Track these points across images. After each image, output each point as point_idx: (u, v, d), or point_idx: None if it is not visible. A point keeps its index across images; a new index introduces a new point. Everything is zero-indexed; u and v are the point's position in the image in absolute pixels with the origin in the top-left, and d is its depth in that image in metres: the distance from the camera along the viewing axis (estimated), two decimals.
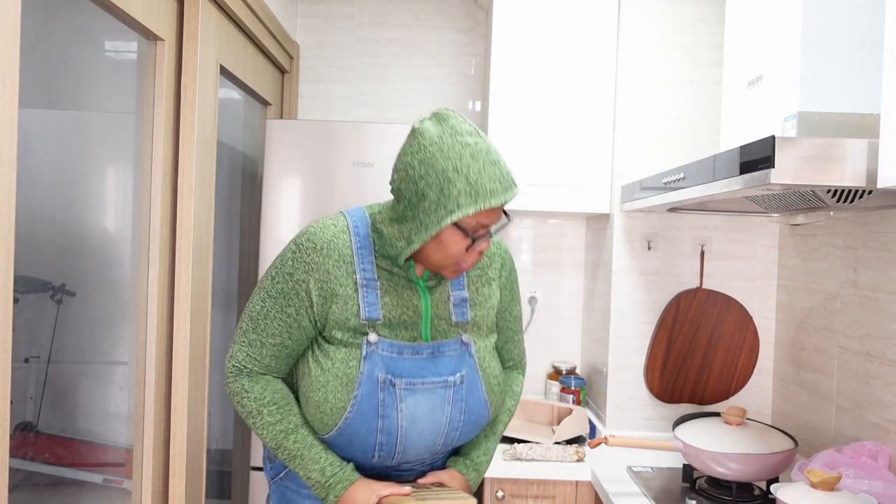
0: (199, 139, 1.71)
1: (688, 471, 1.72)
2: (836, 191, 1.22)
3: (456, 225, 1.15)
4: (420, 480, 1.31)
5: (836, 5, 1.25)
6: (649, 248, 2.12)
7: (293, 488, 1.35)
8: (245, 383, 1.25)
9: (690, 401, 2.09)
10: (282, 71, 2.62)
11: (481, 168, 1.12)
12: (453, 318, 1.28)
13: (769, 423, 1.91)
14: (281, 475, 1.37)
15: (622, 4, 2.16)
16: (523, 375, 1.49)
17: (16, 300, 1.09)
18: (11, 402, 1.07)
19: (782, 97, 1.31)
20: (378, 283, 1.23)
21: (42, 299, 2.30)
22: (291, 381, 1.32)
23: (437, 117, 1.17)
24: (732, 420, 1.66)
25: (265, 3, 2.19)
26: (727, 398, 2.08)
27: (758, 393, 2.11)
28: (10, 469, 1.09)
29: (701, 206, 1.78)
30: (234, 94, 2.44)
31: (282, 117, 2.65)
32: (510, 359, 1.46)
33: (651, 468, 1.83)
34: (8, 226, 1.04)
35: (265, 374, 1.27)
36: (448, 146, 1.12)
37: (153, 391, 1.61)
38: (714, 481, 1.67)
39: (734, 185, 1.21)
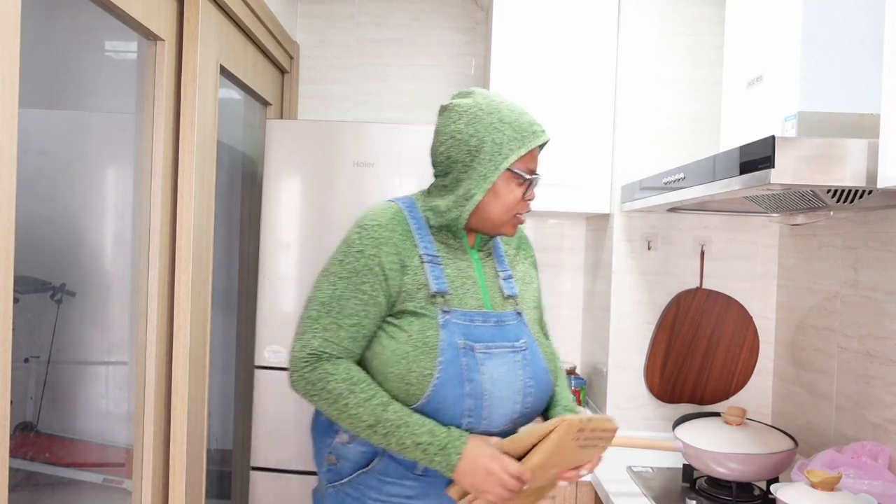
0: (199, 139, 1.71)
1: (688, 471, 1.72)
2: (836, 191, 1.22)
3: (509, 171, 1.26)
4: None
5: (836, 5, 1.25)
6: (649, 248, 2.13)
7: (354, 496, 1.29)
8: (328, 368, 1.23)
9: (690, 401, 2.09)
10: (282, 71, 2.62)
11: (519, 116, 1.27)
12: (504, 291, 1.35)
13: (769, 423, 1.91)
14: (344, 480, 1.30)
15: (622, 4, 2.16)
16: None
17: (16, 300, 1.09)
18: (11, 402, 1.07)
19: (782, 97, 1.31)
20: (440, 258, 1.29)
21: (42, 299, 2.30)
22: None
23: (462, 93, 1.32)
24: (732, 420, 1.66)
25: (265, 3, 2.19)
26: (727, 398, 2.08)
27: (758, 393, 2.11)
28: (10, 469, 1.09)
29: (701, 206, 1.78)
30: (234, 94, 2.44)
31: (282, 117, 2.65)
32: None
33: (651, 468, 1.83)
34: (8, 226, 1.04)
35: (342, 358, 1.25)
36: (486, 105, 1.27)
37: (153, 391, 1.61)
38: (714, 481, 1.67)
39: (734, 185, 1.21)
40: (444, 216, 1.29)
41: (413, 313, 1.25)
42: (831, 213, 1.52)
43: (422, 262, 1.26)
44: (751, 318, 2.08)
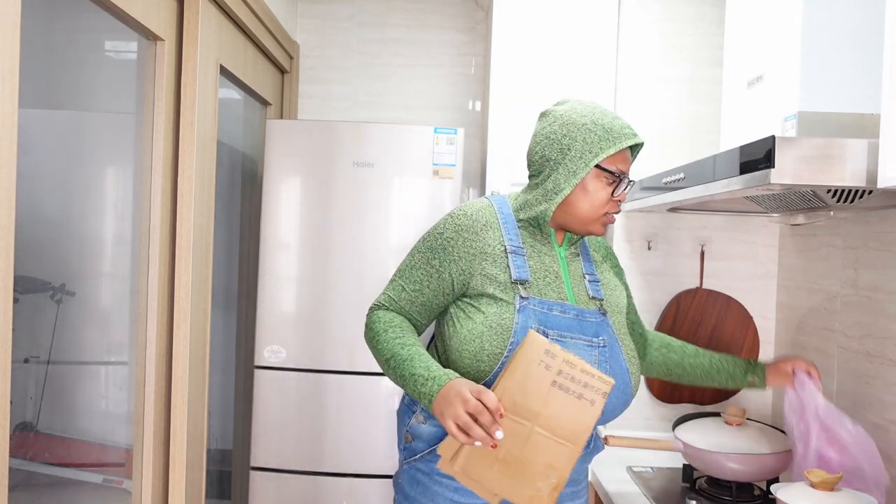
0: (199, 139, 1.71)
1: (688, 471, 1.72)
2: (836, 191, 1.21)
3: (599, 168, 1.30)
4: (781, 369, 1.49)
5: (836, 5, 1.25)
6: (649, 248, 2.12)
7: (425, 471, 1.34)
8: (380, 314, 1.36)
9: (690, 401, 2.09)
10: (282, 71, 2.62)
11: (612, 119, 1.33)
12: (589, 292, 1.38)
13: (769, 423, 1.90)
14: (416, 457, 1.36)
15: (622, 4, 2.16)
16: None
17: (16, 300, 1.09)
18: (11, 402, 1.07)
19: (782, 97, 1.31)
20: (525, 250, 1.34)
21: (42, 299, 2.30)
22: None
23: (560, 101, 1.40)
24: (732, 420, 1.66)
25: (265, 3, 2.19)
26: (727, 398, 2.08)
27: (758, 393, 2.11)
28: (10, 469, 1.09)
29: (701, 206, 1.78)
30: (234, 94, 2.44)
31: (282, 117, 2.65)
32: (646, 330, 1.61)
33: (651, 468, 1.83)
34: (8, 226, 1.04)
35: (399, 314, 1.37)
36: (581, 109, 1.34)
37: (153, 391, 1.61)
38: (714, 481, 1.67)
39: (734, 185, 1.21)
40: (532, 209, 1.35)
41: (492, 297, 1.30)
42: (831, 213, 1.52)
43: (505, 252, 1.32)
44: (751, 318, 2.08)
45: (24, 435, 2.32)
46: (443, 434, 1.29)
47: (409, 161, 2.21)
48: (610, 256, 1.53)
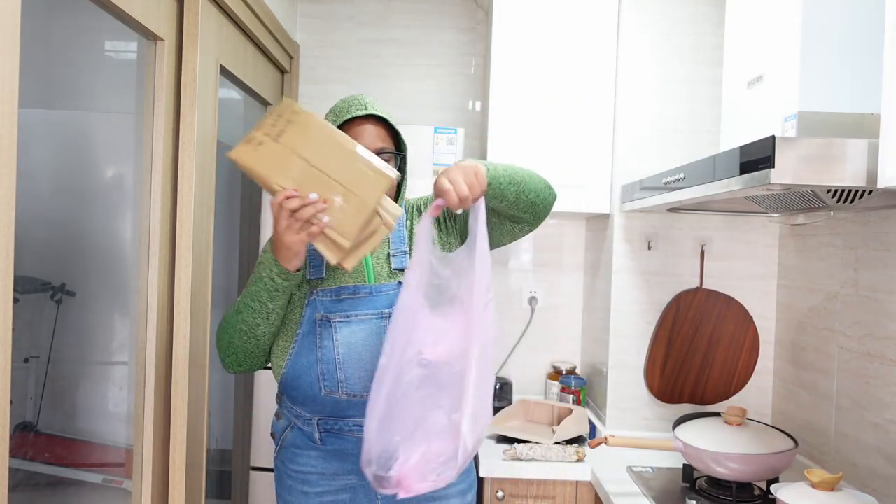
0: (199, 139, 1.71)
1: (688, 471, 1.72)
2: (836, 191, 1.22)
3: None
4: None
5: (836, 5, 1.25)
6: (649, 248, 2.12)
7: (282, 467, 1.48)
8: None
9: (690, 401, 2.09)
10: (282, 71, 2.62)
11: (347, 102, 1.42)
12: (392, 265, 1.44)
13: (769, 423, 1.91)
14: (275, 452, 1.50)
15: (622, 4, 2.16)
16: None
17: (16, 300, 1.09)
18: (11, 402, 1.07)
19: (782, 97, 1.31)
20: None
21: (42, 299, 2.30)
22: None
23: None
24: (732, 420, 1.66)
25: (265, 3, 2.19)
26: (727, 398, 2.08)
27: (758, 393, 2.11)
28: (10, 469, 1.09)
29: (701, 206, 1.78)
30: (234, 94, 2.44)
31: None
32: None
33: (651, 468, 1.83)
34: (8, 226, 1.04)
35: None
36: (334, 105, 1.45)
37: (153, 391, 1.61)
38: (714, 481, 1.67)
39: (734, 185, 1.21)
40: None
41: (292, 300, 1.42)
42: (831, 213, 1.52)
43: (308, 254, 1.40)
44: (751, 318, 2.08)
45: (24, 435, 2.32)
46: (285, 426, 1.48)
47: (409, 161, 2.20)
48: (418, 211, 1.51)
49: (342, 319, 1.37)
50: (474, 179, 1.23)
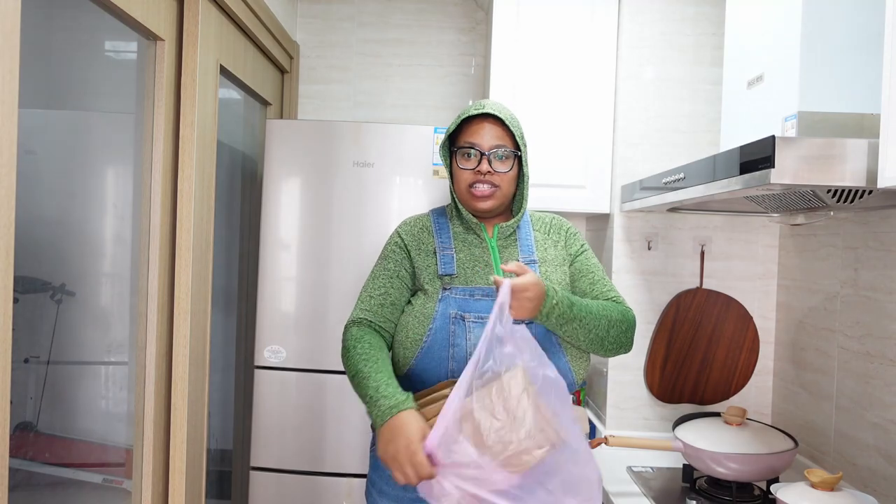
0: (199, 139, 1.71)
1: (688, 471, 1.72)
2: (836, 191, 1.21)
3: (458, 147, 1.47)
4: (504, 267, 1.34)
5: (836, 5, 1.25)
6: (649, 248, 2.12)
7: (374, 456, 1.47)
8: (353, 330, 1.45)
9: (690, 401, 2.09)
10: (282, 71, 2.62)
11: (470, 105, 1.49)
12: None
13: (769, 423, 1.90)
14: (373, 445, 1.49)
15: (622, 4, 2.16)
16: (630, 310, 1.54)
17: (16, 300, 1.09)
18: (11, 402, 1.07)
19: (782, 97, 1.31)
20: (454, 247, 1.49)
21: (42, 299, 2.30)
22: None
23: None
24: (732, 420, 1.66)
25: (265, 3, 2.19)
26: (727, 398, 2.08)
27: (758, 393, 2.11)
28: (10, 469, 1.09)
29: (701, 206, 1.78)
30: (234, 94, 2.44)
31: (282, 117, 2.65)
32: (609, 298, 1.53)
33: (651, 468, 1.83)
34: (8, 226, 1.04)
35: (372, 325, 1.47)
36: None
37: (153, 391, 1.61)
38: (714, 481, 1.67)
39: (734, 185, 1.21)
40: (454, 210, 1.53)
41: (424, 290, 1.47)
42: (831, 213, 1.52)
43: (435, 251, 1.48)
44: (751, 318, 2.08)
45: (24, 435, 2.32)
46: None
47: (408, 161, 2.21)
48: (553, 232, 1.56)
49: (477, 320, 1.40)
50: (528, 308, 1.30)
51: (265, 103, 2.50)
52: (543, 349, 1.31)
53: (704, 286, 2.11)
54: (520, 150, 1.47)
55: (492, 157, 1.44)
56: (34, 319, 2.31)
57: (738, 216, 2.09)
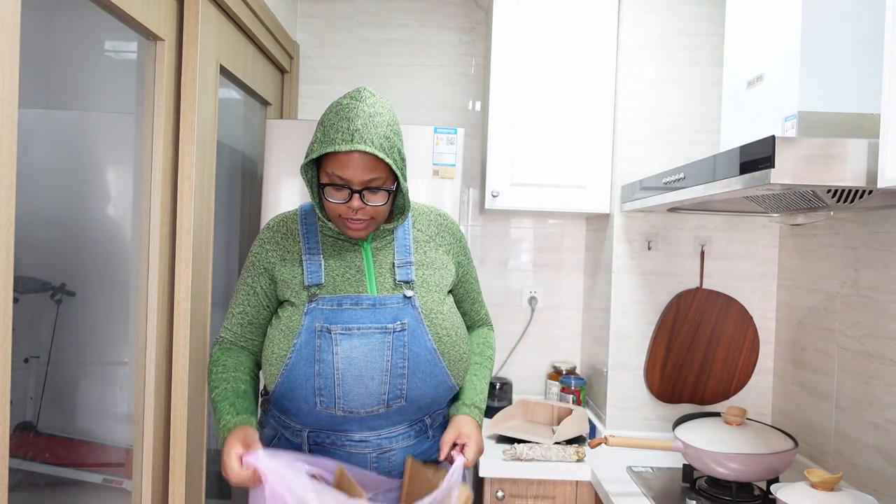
0: (199, 139, 1.71)
1: (688, 471, 1.72)
2: (836, 191, 1.22)
3: (324, 179, 1.28)
4: (444, 438, 1.38)
5: (836, 5, 1.25)
6: (649, 248, 2.12)
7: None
8: (214, 350, 1.44)
9: (690, 401, 2.09)
10: (282, 71, 2.62)
11: (345, 119, 1.24)
12: (397, 277, 1.38)
13: (769, 423, 1.91)
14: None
15: (622, 4, 2.16)
16: (493, 331, 1.68)
17: (16, 300, 1.09)
18: (11, 402, 1.07)
19: (782, 97, 1.31)
20: (321, 252, 1.38)
21: (42, 299, 2.30)
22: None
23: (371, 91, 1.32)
24: (732, 420, 1.66)
25: (265, 3, 2.19)
26: (727, 398, 2.08)
27: (758, 393, 2.11)
28: (10, 469, 1.09)
29: (701, 206, 1.78)
30: (234, 94, 2.44)
31: (282, 117, 2.65)
32: (479, 319, 1.63)
33: (651, 468, 1.83)
34: (8, 226, 1.04)
35: (235, 344, 1.44)
36: (343, 100, 1.28)
37: (153, 391, 1.61)
38: (714, 481, 1.67)
39: (734, 185, 1.21)
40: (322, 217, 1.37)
41: (290, 302, 1.36)
42: (831, 213, 1.52)
43: (301, 260, 1.37)
44: (751, 318, 2.08)
45: (24, 435, 2.31)
46: (271, 436, 1.44)
47: (409, 161, 2.20)
48: (442, 233, 1.47)
49: (344, 332, 1.31)
50: (481, 446, 1.41)
51: (265, 103, 2.50)
52: (426, 362, 1.35)
53: (704, 286, 2.11)
54: (396, 178, 1.31)
55: (364, 192, 1.27)
56: (34, 319, 2.30)
57: (738, 216, 2.09)
